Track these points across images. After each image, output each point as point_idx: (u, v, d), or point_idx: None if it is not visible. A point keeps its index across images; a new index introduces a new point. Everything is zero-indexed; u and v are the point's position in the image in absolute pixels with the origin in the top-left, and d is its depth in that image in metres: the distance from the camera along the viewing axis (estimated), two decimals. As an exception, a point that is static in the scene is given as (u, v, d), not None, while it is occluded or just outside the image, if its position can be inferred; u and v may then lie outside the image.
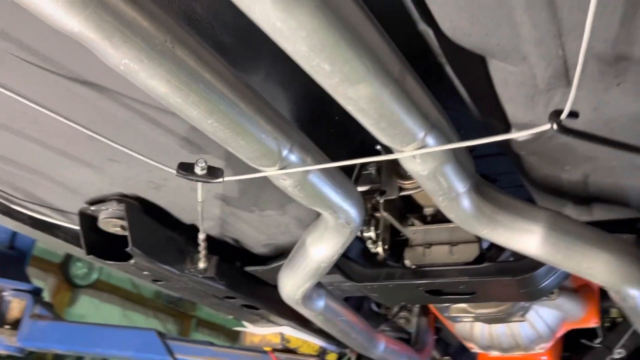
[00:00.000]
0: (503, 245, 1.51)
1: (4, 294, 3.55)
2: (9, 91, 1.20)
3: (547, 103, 1.21)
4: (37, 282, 4.20)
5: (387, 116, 1.02)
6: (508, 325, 2.87)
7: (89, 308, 8.79)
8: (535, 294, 1.97)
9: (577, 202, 1.68)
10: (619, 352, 2.96)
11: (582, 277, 1.54)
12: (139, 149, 1.43)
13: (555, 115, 1.07)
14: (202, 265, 2.01)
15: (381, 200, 1.92)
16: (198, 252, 1.94)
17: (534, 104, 1.22)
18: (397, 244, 2.06)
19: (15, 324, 3.46)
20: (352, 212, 1.53)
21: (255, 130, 1.14)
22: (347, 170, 1.73)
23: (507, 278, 1.84)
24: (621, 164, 1.42)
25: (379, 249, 1.95)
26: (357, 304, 3.18)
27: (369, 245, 1.96)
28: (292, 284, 1.89)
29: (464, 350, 3.38)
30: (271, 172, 1.25)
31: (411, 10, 1.22)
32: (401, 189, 1.91)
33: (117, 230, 1.88)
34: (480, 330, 2.99)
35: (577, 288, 2.74)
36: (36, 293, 3.59)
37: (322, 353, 3.04)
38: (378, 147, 1.88)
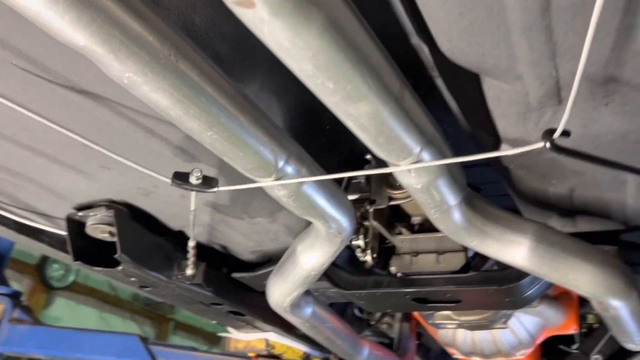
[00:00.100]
0: (492, 256, 1.54)
1: (-18, 297, 3.49)
2: (2, 98, 1.19)
3: (538, 120, 1.24)
4: (12, 284, 4.11)
5: (386, 132, 1.04)
6: (490, 332, 2.92)
7: (64, 310, 8.62)
8: (519, 303, 2.01)
9: (562, 214, 1.72)
10: (595, 357, 3.02)
11: (566, 288, 1.58)
12: (133, 156, 1.43)
13: (548, 134, 1.10)
14: (190, 272, 1.99)
15: (371, 210, 1.94)
16: (186, 258, 1.92)
17: (526, 121, 1.25)
18: (383, 251, 2.07)
19: (-7, 328, 3.40)
20: (344, 221, 1.55)
21: (253, 142, 1.15)
22: (337, 179, 1.75)
23: (493, 287, 1.87)
24: (606, 178, 1.47)
25: (368, 257, 1.97)
26: (340, 309, 3.19)
27: (358, 253, 1.98)
28: (281, 291, 1.90)
29: (445, 355, 3.42)
30: (267, 183, 1.26)
31: (404, 23, 1.24)
32: (391, 199, 1.93)
33: (105, 237, 1.86)
34: (463, 336, 3.03)
35: (558, 295, 2.80)
36: (15, 297, 3.53)
37: (306, 359, 3.05)
38: (368, 156, 1.91)
